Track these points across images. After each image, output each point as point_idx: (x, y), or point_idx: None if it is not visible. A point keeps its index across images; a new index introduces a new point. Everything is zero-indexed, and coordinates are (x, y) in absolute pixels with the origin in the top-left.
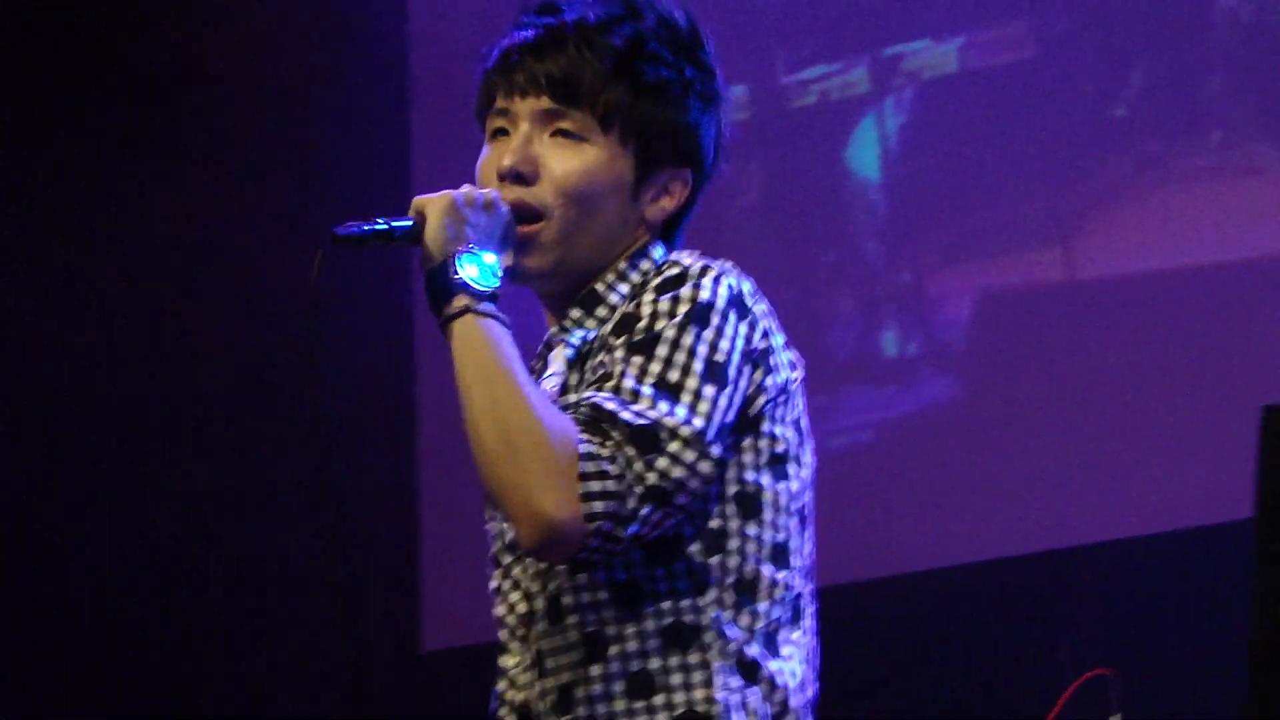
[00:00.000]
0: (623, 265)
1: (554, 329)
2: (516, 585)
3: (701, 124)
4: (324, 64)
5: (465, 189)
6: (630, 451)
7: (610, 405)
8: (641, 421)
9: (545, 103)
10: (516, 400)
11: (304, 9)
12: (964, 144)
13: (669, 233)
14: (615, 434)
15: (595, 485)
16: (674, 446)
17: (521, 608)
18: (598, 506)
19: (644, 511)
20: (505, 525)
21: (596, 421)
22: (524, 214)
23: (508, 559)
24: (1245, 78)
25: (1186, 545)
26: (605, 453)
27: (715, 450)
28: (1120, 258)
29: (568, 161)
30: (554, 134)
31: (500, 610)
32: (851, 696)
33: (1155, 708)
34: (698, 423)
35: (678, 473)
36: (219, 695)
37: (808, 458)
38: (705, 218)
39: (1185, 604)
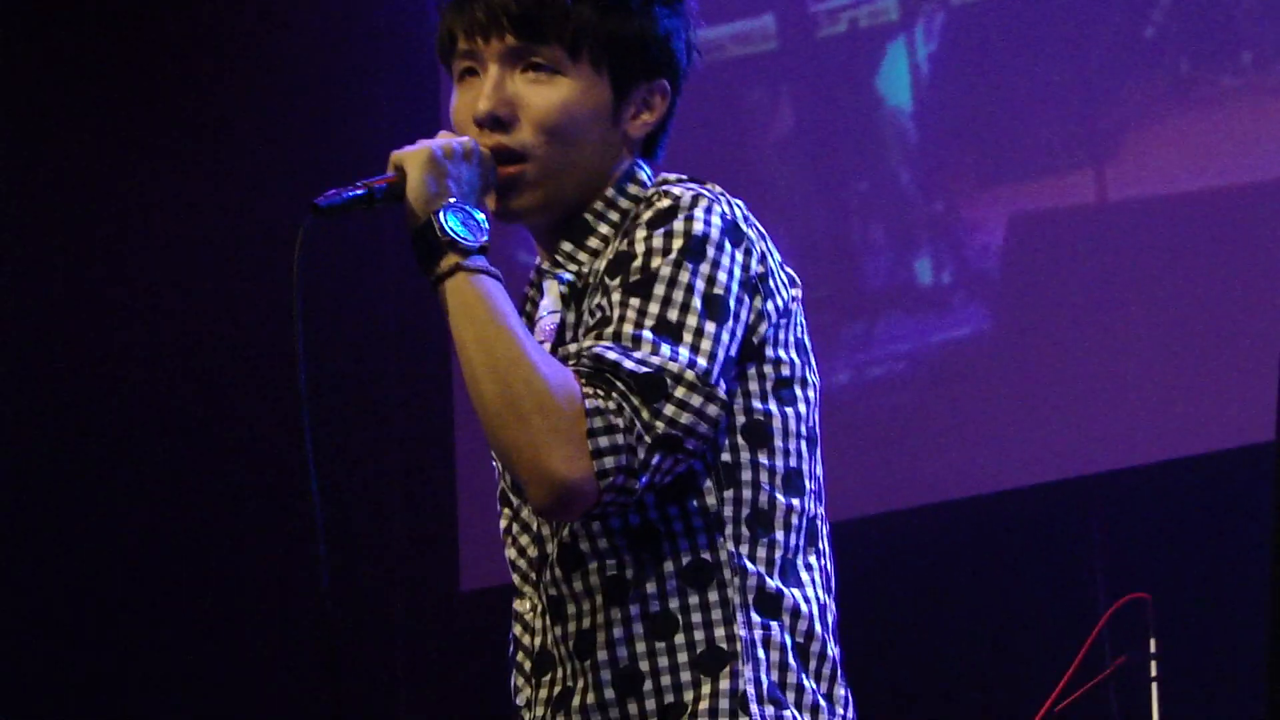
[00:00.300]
0: (610, 192)
1: (544, 262)
2: (526, 528)
3: (672, 31)
4: (349, 47)
5: (442, 138)
6: (636, 401)
7: (612, 355)
8: (645, 369)
9: (511, 41)
10: (516, 358)
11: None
12: (994, 69)
13: (651, 147)
14: (620, 384)
15: (604, 440)
16: (680, 392)
17: (532, 551)
18: (609, 462)
19: (655, 460)
20: None
21: (599, 373)
22: (505, 156)
23: (516, 500)
24: None
25: (1221, 468)
26: (611, 405)
27: (721, 389)
28: (1151, 180)
29: (544, 98)
30: (525, 70)
31: (511, 553)
32: (889, 623)
33: (1191, 632)
34: (702, 362)
35: (686, 418)
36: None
37: (812, 377)
38: (736, 148)
39: (1220, 527)
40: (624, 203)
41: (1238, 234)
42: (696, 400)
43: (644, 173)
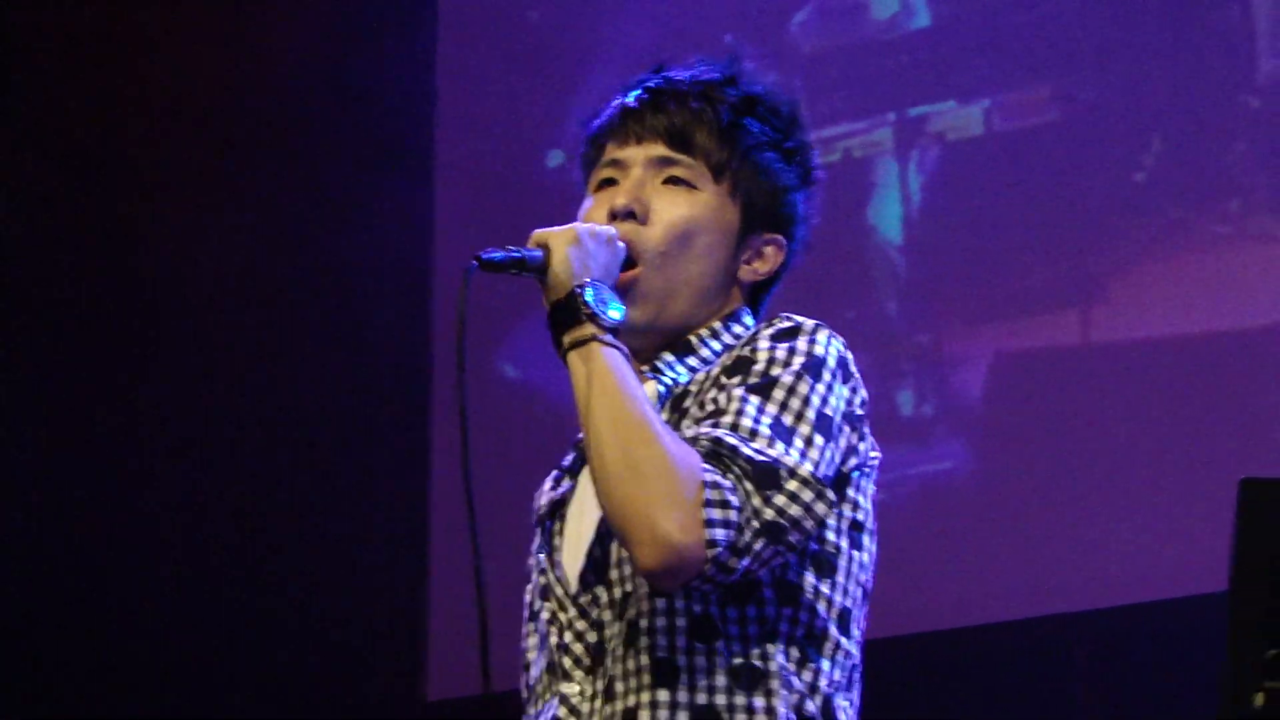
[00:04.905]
0: (716, 324)
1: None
2: (584, 614)
3: (799, 195)
4: (348, 141)
5: (587, 224)
6: (750, 486)
7: (732, 440)
8: (762, 458)
9: (660, 149)
10: (642, 425)
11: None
12: (986, 205)
13: (756, 301)
14: (736, 468)
15: (717, 513)
16: (792, 485)
17: (590, 637)
18: (719, 534)
19: (758, 546)
20: (560, 559)
21: (717, 454)
22: (626, 258)
23: (575, 589)
24: (1264, 147)
25: (1204, 609)
26: (728, 483)
27: (831, 493)
28: (1137, 323)
29: (679, 207)
30: (666, 181)
31: (567, 638)
32: None
33: None
34: (810, 466)
35: (795, 510)
36: None
37: (872, 544)
38: None
39: (1198, 669)
40: (727, 337)
41: (1221, 379)
42: (807, 495)
43: (749, 318)
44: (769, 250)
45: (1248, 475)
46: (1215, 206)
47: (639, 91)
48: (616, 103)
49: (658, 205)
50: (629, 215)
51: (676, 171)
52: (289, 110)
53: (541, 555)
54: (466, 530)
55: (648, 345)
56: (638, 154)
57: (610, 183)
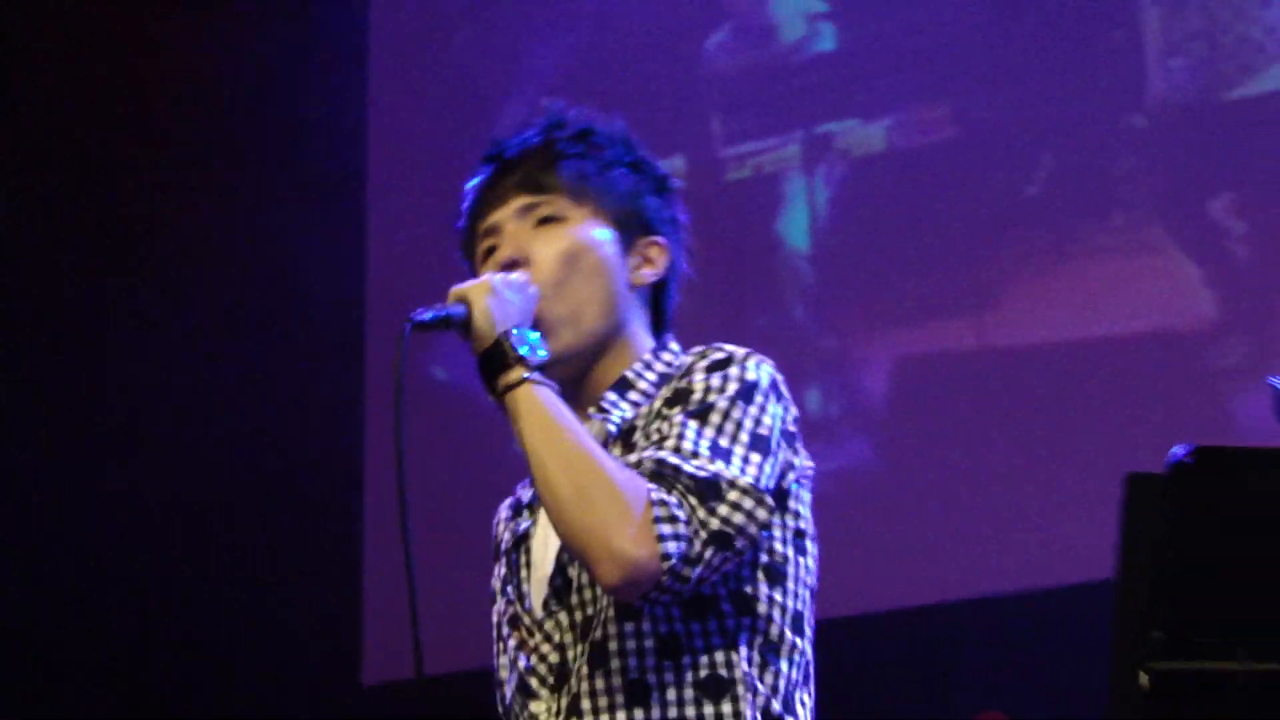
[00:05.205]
0: (647, 356)
1: (583, 409)
2: (548, 638)
3: (660, 199)
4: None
5: (498, 274)
6: (694, 501)
7: (673, 460)
8: (703, 473)
9: (521, 200)
10: (585, 456)
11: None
12: (887, 217)
13: (660, 311)
14: (680, 485)
15: (667, 528)
16: (733, 495)
17: (554, 658)
18: (671, 547)
19: (708, 555)
20: (528, 590)
21: (661, 474)
22: None
23: (539, 615)
24: (1148, 163)
25: (1094, 598)
26: (674, 499)
27: (771, 500)
28: (1027, 329)
29: (557, 239)
30: (538, 224)
31: (533, 660)
32: None
33: None
34: (749, 479)
35: (738, 518)
36: None
37: (814, 548)
38: None
39: (1086, 656)
40: (659, 366)
41: (1107, 380)
42: (748, 503)
43: (675, 345)
44: (653, 252)
45: (1132, 470)
46: (1102, 219)
47: (486, 166)
48: (471, 185)
49: (537, 245)
50: (515, 264)
51: (543, 211)
52: (229, 137)
53: (509, 588)
54: (398, 519)
55: (574, 373)
56: (505, 212)
57: (493, 250)
